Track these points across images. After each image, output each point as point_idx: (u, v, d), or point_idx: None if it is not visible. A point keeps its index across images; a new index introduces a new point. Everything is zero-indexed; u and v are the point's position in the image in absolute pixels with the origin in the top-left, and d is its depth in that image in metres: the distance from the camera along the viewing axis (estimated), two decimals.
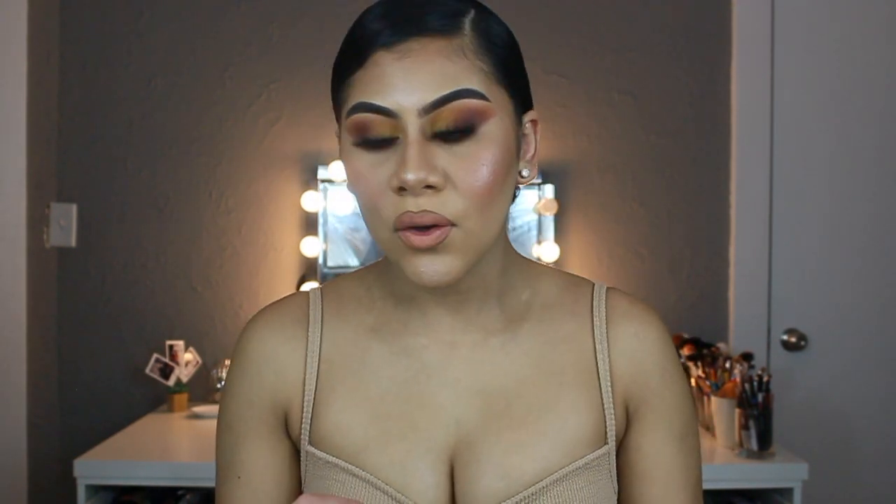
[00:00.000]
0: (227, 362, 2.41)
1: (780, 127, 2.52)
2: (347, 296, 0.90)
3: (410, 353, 0.86)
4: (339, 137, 0.82)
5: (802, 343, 2.51)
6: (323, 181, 2.46)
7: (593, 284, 0.91)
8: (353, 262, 2.49)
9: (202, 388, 2.45)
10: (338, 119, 0.81)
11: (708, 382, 2.10)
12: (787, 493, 1.95)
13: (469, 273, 0.81)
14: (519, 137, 0.81)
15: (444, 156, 0.75)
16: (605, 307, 0.88)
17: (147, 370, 2.36)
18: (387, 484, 0.82)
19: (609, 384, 0.86)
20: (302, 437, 0.87)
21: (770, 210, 2.52)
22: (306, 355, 0.87)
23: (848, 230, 2.53)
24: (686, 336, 2.32)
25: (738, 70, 2.52)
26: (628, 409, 0.87)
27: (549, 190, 2.47)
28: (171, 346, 2.39)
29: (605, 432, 0.86)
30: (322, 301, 0.90)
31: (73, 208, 2.48)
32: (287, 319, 0.89)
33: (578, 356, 0.87)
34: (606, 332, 0.87)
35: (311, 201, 2.46)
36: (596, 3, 2.53)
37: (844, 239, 2.53)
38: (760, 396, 1.94)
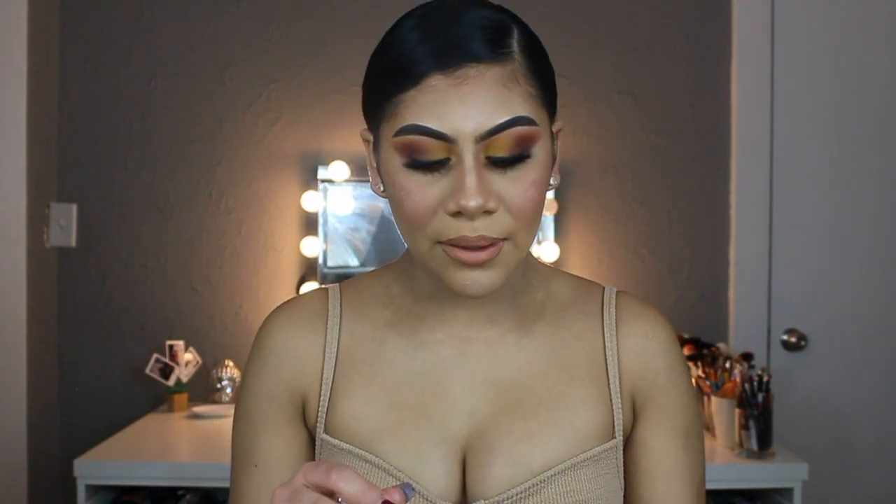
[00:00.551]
0: (228, 362, 2.43)
1: (780, 127, 2.52)
2: (366, 292, 0.93)
3: (427, 346, 0.89)
4: (372, 145, 0.83)
5: (802, 343, 2.51)
6: (323, 181, 2.46)
7: (604, 287, 0.95)
8: (353, 262, 2.49)
9: (202, 388, 2.45)
10: (372, 128, 0.82)
11: (708, 382, 2.10)
12: (787, 493, 1.95)
13: None
14: (553, 151, 0.84)
15: (496, 179, 0.77)
16: (616, 308, 0.92)
17: (147, 370, 2.36)
18: (399, 470, 0.84)
19: (617, 380, 0.89)
20: (318, 425, 0.89)
21: (770, 210, 2.52)
22: (325, 347, 0.90)
23: (848, 230, 2.53)
24: (686, 336, 2.32)
25: (738, 70, 2.52)
26: (635, 405, 0.90)
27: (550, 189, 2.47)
28: (171, 346, 2.39)
29: (613, 427, 0.88)
30: (341, 296, 0.93)
31: (73, 208, 2.48)
32: (306, 313, 0.92)
33: (589, 353, 0.90)
34: (616, 331, 0.90)
35: (311, 201, 2.46)
36: (596, 4, 2.53)
37: (844, 239, 2.53)
38: (760, 396, 1.94)
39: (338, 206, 2.47)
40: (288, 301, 0.95)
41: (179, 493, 2.00)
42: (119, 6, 2.51)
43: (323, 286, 0.96)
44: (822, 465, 2.27)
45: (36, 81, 2.34)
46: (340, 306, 0.92)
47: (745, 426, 1.95)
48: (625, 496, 0.90)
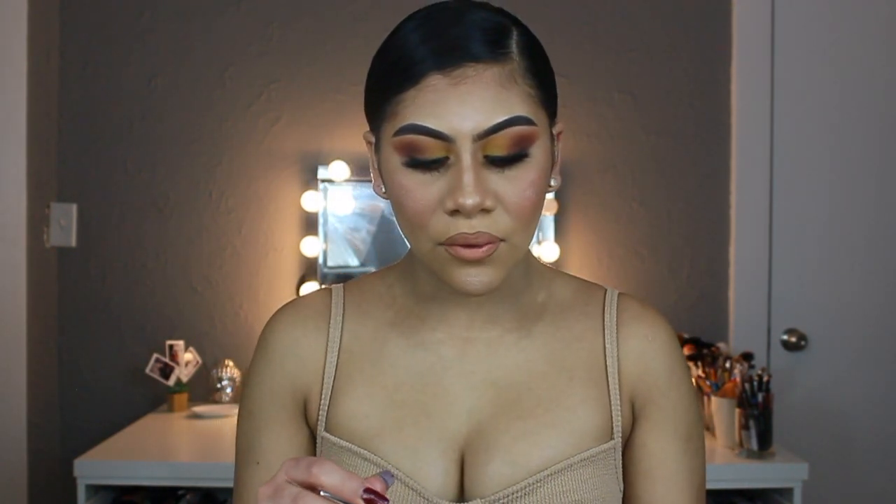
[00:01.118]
0: (228, 362, 2.43)
1: (780, 127, 2.52)
2: (369, 292, 0.94)
3: (427, 346, 0.90)
4: (373, 146, 0.84)
5: (802, 343, 2.51)
6: (323, 181, 2.46)
7: (606, 289, 0.95)
8: (353, 262, 2.49)
9: (202, 388, 2.45)
10: (374, 128, 0.83)
11: (708, 382, 2.10)
12: (787, 493, 1.95)
13: None
14: (553, 152, 0.84)
15: (494, 178, 0.78)
16: (617, 309, 0.92)
17: (147, 370, 2.36)
18: (398, 468, 0.85)
19: (617, 382, 0.89)
20: (319, 423, 0.90)
21: (770, 210, 2.52)
22: (327, 346, 0.91)
23: (848, 230, 2.53)
24: (686, 336, 2.32)
25: (738, 70, 2.52)
26: (634, 407, 0.90)
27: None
28: (171, 346, 2.39)
29: (612, 428, 0.88)
30: (344, 296, 0.94)
31: (73, 208, 2.48)
32: (310, 312, 0.93)
33: (589, 354, 0.90)
34: (617, 333, 0.91)
35: (311, 201, 2.46)
36: (596, 3, 2.53)
37: (844, 239, 2.53)
38: (760, 396, 1.94)
39: (338, 206, 2.47)
40: (292, 301, 0.96)
41: (179, 493, 2.00)
42: (119, 6, 2.51)
43: (327, 286, 0.98)
44: (822, 465, 2.27)
45: (36, 81, 2.34)
46: (343, 306, 0.93)
47: (745, 426, 1.95)
48: (624, 498, 0.90)
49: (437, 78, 0.76)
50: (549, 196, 2.46)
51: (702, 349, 2.21)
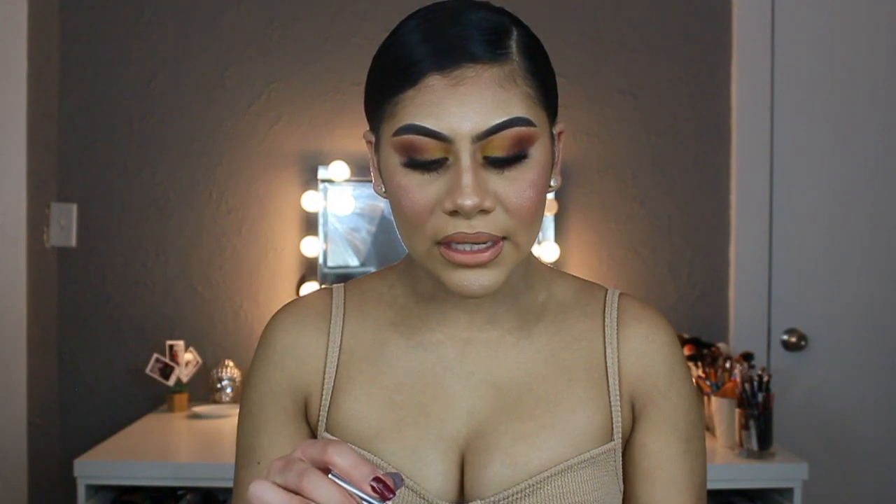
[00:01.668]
0: (228, 362, 2.43)
1: (780, 127, 2.52)
2: (369, 292, 0.94)
3: (427, 347, 0.89)
4: (373, 146, 0.84)
5: (802, 343, 2.51)
6: (323, 181, 2.46)
7: (606, 289, 0.94)
8: (353, 262, 2.49)
9: (202, 388, 2.45)
10: (374, 128, 0.83)
11: (708, 382, 2.10)
12: (787, 493, 1.95)
13: None
14: (553, 152, 0.84)
15: (493, 179, 0.77)
16: (617, 310, 0.92)
17: (147, 370, 2.36)
18: (398, 469, 0.84)
19: (617, 382, 0.89)
20: (319, 423, 0.90)
21: (770, 210, 2.52)
22: (327, 346, 0.91)
23: (848, 230, 2.53)
24: (686, 336, 2.32)
25: (738, 70, 2.52)
26: (634, 408, 0.90)
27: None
28: (171, 346, 2.39)
29: (612, 429, 0.88)
30: (344, 296, 0.94)
31: (73, 208, 2.48)
32: (310, 312, 0.93)
33: (589, 355, 0.90)
34: (617, 333, 0.90)
35: (311, 201, 2.46)
36: (596, 4, 2.53)
37: (844, 239, 2.53)
38: (760, 396, 1.94)
39: (338, 206, 2.47)
40: (293, 301, 0.96)
41: (179, 493, 2.00)
42: (119, 6, 2.51)
43: (328, 286, 0.97)
44: (822, 465, 2.27)
45: (36, 81, 2.34)
46: (344, 306, 0.93)
47: (745, 426, 1.95)
48: (624, 499, 0.90)
49: (437, 78, 0.76)
50: (550, 196, 2.46)
51: (702, 349, 2.21)
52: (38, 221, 2.38)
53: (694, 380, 2.14)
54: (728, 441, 2.01)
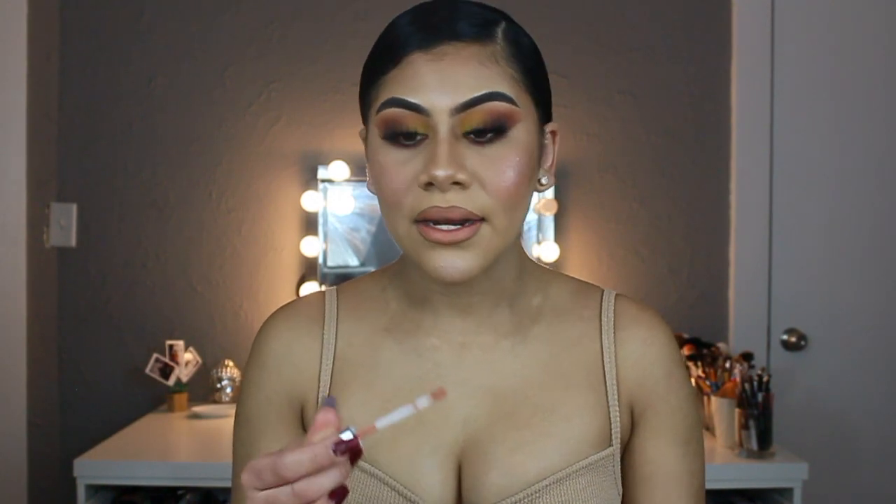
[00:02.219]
0: (228, 362, 2.43)
1: (779, 127, 2.52)
2: (363, 296, 0.93)
3: (422, 352, 0.88)
4: (365, 139, 0.84)
5: (802, 343, 2.51)
6: (323, 181, 2.46)
7: (603, 291, 0.93)
8: (353, 262, 2.49)
9: (202, 388, 2.45)
10: (365, 120, 0.83)
11: (708, 382, 2.10)
12: (787, 493, 1.94)
13: (485, 277, 0.83)
14: (541, 145, 0.83)
15: (472, 156, 0.77)
16: (614, 312, 0.90)
17: (147, 370, 2.35)
18: (395, 480, 0.83)
19: (615, 387, 0.88)
20: None
21: (770, 210, 2.52)
22: (322, 352, 0.90)
23: (848, 230, 2.53)
24: (686, 336, 2.32)
25: (738, 70, 2.52)
26: (633, 413, 0.89)
27: (548, 190, 2.47)
28: (171, 346, 2.39)
29: (610, 434, 0.87)
30: (338, 300, 0.92)
31: (73, 208, 2.48)
32: (303, 317, 0.92)
33: (586, 359, 0.88)
34: (614, 337, 0.89)
35: (311, 201, 2.46)
36: (596, 3, 2.53)
37: (844, 239, 2.53)
38: (760, 396, 1.93)
39: (338, 206, 2.47)
40: (285, 306, 0.95)
41: (179, 493, 2.00)
42: (119, 6, 2.51)
43: (320, 290, 0.96)
44: (822, 465, 2.27)
45: (36, 81, 2.34)
46: (337, 310, 0.91)
47: (745, 426, 1.95)
48: (623, 502, 0.89)
49: (418, 55, 0.77)
50: (549, 196, 2.46)
51: (702, 349, 2.21)
52: (37, 221, 2.38)
53: (694, 380, 2.14)
54: (728, 441, 2.00)
